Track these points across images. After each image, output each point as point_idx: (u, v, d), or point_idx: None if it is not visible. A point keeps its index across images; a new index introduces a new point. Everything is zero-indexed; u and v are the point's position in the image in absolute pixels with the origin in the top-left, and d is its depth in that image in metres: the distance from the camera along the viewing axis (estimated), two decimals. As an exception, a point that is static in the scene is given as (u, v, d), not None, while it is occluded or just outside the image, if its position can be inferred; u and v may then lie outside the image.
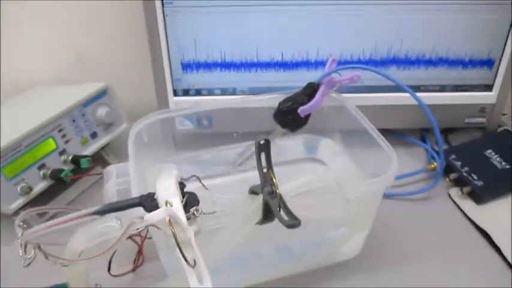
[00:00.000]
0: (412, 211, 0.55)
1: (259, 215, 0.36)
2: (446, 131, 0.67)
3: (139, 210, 0.32)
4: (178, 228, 0.26)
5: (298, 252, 0.47)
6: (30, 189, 0.49)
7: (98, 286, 0.41)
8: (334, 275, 0.47)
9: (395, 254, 0.49)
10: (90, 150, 0.56)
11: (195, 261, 0.26)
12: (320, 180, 0.38)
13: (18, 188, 0.48)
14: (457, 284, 0.46)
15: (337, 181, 0.39)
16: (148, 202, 0.28)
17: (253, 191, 0.36)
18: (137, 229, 0.33)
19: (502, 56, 0.58)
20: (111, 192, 0.41)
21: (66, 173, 0.49)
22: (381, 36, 0.57)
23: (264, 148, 0.34)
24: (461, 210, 0.55)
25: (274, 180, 0.33)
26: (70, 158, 0.52)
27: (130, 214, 0.33)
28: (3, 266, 0.49)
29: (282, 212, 0.32)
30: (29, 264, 0.34)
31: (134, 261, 0.47)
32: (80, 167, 0.51)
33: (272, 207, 0.32)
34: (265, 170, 0.34)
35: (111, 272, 0.44)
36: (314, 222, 0.45)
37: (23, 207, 0.49)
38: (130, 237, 0.46)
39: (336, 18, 0.56)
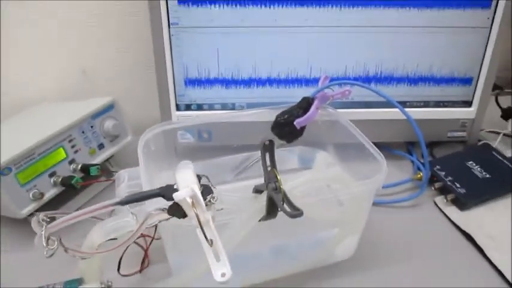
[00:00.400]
0: (401, 217, 0.59)
1: (263, 212, 0.39)
2: (431, 145, 0.72)
3: (155, 204, 0.36)
4: (199, 210, 0.29)
5: (294, 253, 0.50)
6: (42, 195, 0.51)
7: (109, 283, 0.43)
8: (330, 275, 0.50)
9: (387, 256, 0.52)
10: (97, 160, 0.59)
11: (212, 240, 0.30)
12: (318, 179, 0.41)
13: (31, 194, 0.51)
14: (444, 282, 0.49)
15: (333, 182, 0.43)
16: (168, 192, 0.31)
17: (257, 190, 0.40)
18: (152, 224, 0.36)
19: (479, 74, 0.64)
20: (123, 193, 0.44)
21: (77, 179, 0.52)
22: (369, 56, 0.62)
23: (269, 149, 0.37)
24: (446, 216, 0.58)
25: (278, 177, 0.37)
26: (79, 166, 0.55)
27: (146, 210, 0.36)
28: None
29: (285, 205, 0.36)
30: (51, 255, 0.36)
31: (141, 264, 0.50)
32: (88, 175, 0.54)
33: (276, 201, 0.36)
34: (269, 169, 0.38)
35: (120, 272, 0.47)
36: (309, 221, 0.48)
37: (34, 213, 0.51)
38: (141, 236, 0.49)
39: (328, 40, 0.61)
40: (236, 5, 0.58)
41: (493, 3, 0.59)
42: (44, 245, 0.36)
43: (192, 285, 0.43)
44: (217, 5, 0.57)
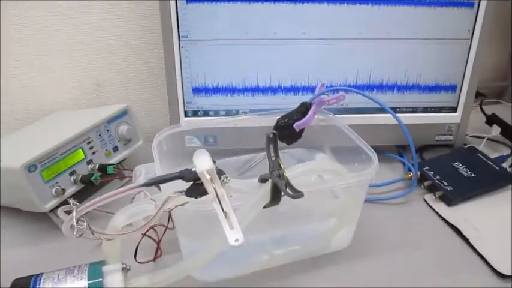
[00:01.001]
0: (394, 212, 0.64)
1: (267, 199, 0.44)
2: (420, 149, 0.77)
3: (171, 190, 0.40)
4: (216, 185, 0.34)
5: (293, 242, 0.55)
6: (63, 191, 0.56)
7: (128, 267, 0.47)
8: (327, 263, 0.54)
9: (380, 247, 0.57)
10: (112, 162, 0.63)
11: (226, 212, 0.34)
12: (318, 169, 0.46)
13: (53, 190, 0.56)
14: (433, 269, 0.54)
15: (330, 173, 0.48)
16: (188, 174, 0.36)
17: (262, 179, 0.45)
18: (169, 209, 0.41)
19: (462, 82, 0.70)
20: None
21: (96, 177, 0.57)
22: (362, 65, 0.68)
23: (273, 140, 0.42)
24: (434, 211, 0.63)
25: (281, 165, 0.42)
26: (97, 166, 0.60)
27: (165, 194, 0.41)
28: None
29: (287, 190, 0.41)
30: (81, 235, 0.41)
31: (155, 253, 0.54)
32: (105, 174, 0.59)
33: (280, 186, 0.41)
34: (273, 158, 0.43)
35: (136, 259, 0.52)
36: (307, 212, 0.53)
37: (55, 208, 0.56)
38: (155, 226, 0.53)
39: (324, 51, 0.67)
40: (240, 20, 0.64)
41: (474, 12, 0.65)
42: (75, 225, 0.40)
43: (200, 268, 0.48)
44: (222, 20, 0.64)
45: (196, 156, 0.38)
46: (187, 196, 0.38)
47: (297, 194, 0.39)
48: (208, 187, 0.35)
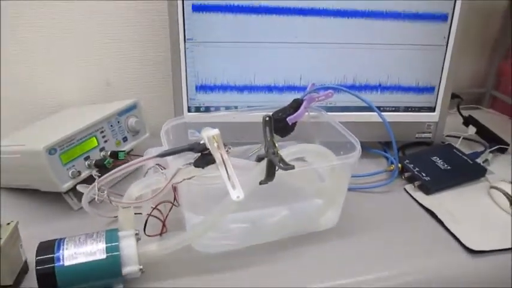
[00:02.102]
0: (377, 199, 0.70)
1: (263, 175, 0.50)
2: (403, 147, 0.84)
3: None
4: (222, 151, 0.41)
5: (285, 220, 0.61)
6: (79, 173, 0.62)
7: (139, 236, 0.53)
8: (318, 240, 0.60)
9: (364, 227, 0.63)
10: (122, 150, 0.70)
11: (230, 175, 0.41)
12: (308, 150, 0.53)
13: (70, 172, 0.62)
14: (412, 246, 0.60)
15: (318, 155, 0.55)
16: (197, 146, 0.43)
17: (259, 158, 0.51)
18: (177, 182, 0.47)
19: (439, 84, 0.77)
20: (152, 165, 0.55)
21: (109, 161, 0.63)
22: (348, 68, 0.76)
23: (269, 123, 0.49)
24: (414, 198, 0.70)
25: (275, 144, 0.48)
26: (108, 153, 0.66)
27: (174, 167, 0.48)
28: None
29: (281, 164, 0.47)
30: (102, 201, 0.47)
31: (161, 229, 0.60)
32: (117, 159, 0.65)
33: (274, 162, 0.47)
34: (269, 139, 0.49)
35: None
36: (298, 191, 0.59)
37: (72, 189, 0.62)
38: (161, 203, 0.59)
39: (315, 54, 0.74)
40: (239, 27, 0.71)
41: (448, 23, 0.73)
42: (96, 192, 0.47)
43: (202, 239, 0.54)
44: (224, 26, 0.71)
45: (204, 130, 0.44)
46: (195, 166, 0.44)
47: (288, 167, 0.45)
48: (215, 153, 0.41)
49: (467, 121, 0.87)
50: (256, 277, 0.54)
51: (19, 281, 0.51)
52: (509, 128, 0.93)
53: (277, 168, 0.48)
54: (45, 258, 0.47)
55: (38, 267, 0.46)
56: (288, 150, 0.50)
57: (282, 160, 0.48)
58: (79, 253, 0.47)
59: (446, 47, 0.75)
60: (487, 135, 0.85)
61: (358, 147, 0.57)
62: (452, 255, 0.59)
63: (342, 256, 0.58)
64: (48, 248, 0.48)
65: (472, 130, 0.86)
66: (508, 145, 0.83)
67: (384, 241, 0.61)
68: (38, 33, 0.81)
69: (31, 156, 0.60)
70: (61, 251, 0.47)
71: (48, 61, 0.83)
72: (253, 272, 0.55)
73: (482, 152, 0.80)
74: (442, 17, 0.73)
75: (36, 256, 0.47)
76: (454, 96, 0.83)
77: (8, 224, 0.50)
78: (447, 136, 0.87)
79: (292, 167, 0.45)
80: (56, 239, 0.49)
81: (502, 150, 0.83)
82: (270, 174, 0.50)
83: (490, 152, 0.81)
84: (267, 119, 0.49)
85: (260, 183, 0.51)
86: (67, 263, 0.46)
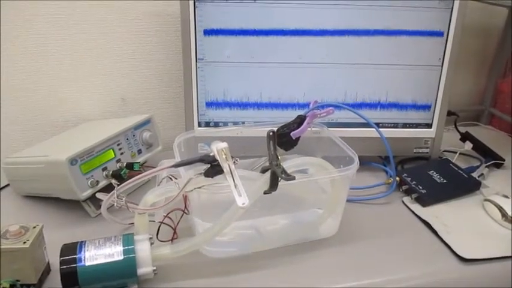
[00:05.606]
0: (375, 210, 0.74)
1: (267, 185, 0.55)
2: (401, 162, 0.88)
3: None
4: (230, 162, 0.46)
5: (287, 228, 0.65)
6: (97, 183, 0.67)
7: (153, 240, 0.57)
8: (318, 248, 0.64)
9: (363, 236, 0.67)
10: (136, 162, 0.75)
11: (236, 184, 0.45)
12: (309, 163, 0.58)
13: (89, 182, 0.67)
14: (408, 254, 0.64)
15: (320, 167, 0.59)
16: (207, 157, 0.48)
17: (263, 170, 0.56)
18: (189, 190, 0.52)
19: (436, 102, 0.82)
20: (165, 176, 0.60)
21: (125, 171, 0.68)
22: (349, 86, 0.80)
23: (272, 137, 0.54)
24: (410, 210, 0.74)
25: (278, 157, 0.53)
26: (124, 164, 0.71)
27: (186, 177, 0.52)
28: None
29: (283, 175, 0.52)
30: (120, 207, 0.52)
31: (172, 236, 0.64)
32: (132, 170, 0.70)
33: (277, 173, 0.52)
34: (272, 152, 0.54)
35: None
36: (299, 201, 0.64)
37: (90, 197, 0.67)
38: (172, 211, 0.63)
39: (318, 73, 0.79)
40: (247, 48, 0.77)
41: (443, 44, 0.78)
42: (115, 199, 0.51)
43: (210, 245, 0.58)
44: (232, 47, 0.77)
45: (213, 143, 0.49)
46: (205, 176, 0.49)
47: (289, 177, 0.50)
48: (223, 164, 0.46)
49: (464, 137, 0.91)
50: (259, 281, 0.58)
51: (42, 280, 0.56)
52: (505, 143, 0.97)
53: (279, 178, 0.52)
54: (68, 259, 0.51)
55: (62, 267, 0.51)
56: (291, 162, 0.55)
57: (284, 171, 0.52)
58: (99, 254, 0.52)
59: (442, 68, 0.79)
60: (483, 151, 0.89)
61: (356, 160, 0.62)
62: (446, 264, 0.62)
63: (341, 263, 0.62)
64: (71, 249, 0.52)
65: (468, 146, 0.90)
66: (504, 160, 0.87)
67: (381, 249, 0.65)
68: (63, 49, 0.88)
69: (54, 166, 0.65)
70: (83, 253, 0.52)
71: (72, 78, 0.90)
72: (256, 276, 0.58)
73: (478, 167, 0.84)
74: (438, 34, 0.78)
75: (61, 256, 0.51)
76: (450, 113, 0.87)
77: (34, 227, 0.55)
78: (444, 151, 0.91)
79: (293, 178, 0.50)
80: (78, 242, 0.54)
81: (498, 165, 0.87)
82: (273, 184, 0.54)
83: (486, 166, 0.84)
84: (271, 133, 0.54)
85: (264, 192, 0.55)
86: (88, 263, 0.51)
